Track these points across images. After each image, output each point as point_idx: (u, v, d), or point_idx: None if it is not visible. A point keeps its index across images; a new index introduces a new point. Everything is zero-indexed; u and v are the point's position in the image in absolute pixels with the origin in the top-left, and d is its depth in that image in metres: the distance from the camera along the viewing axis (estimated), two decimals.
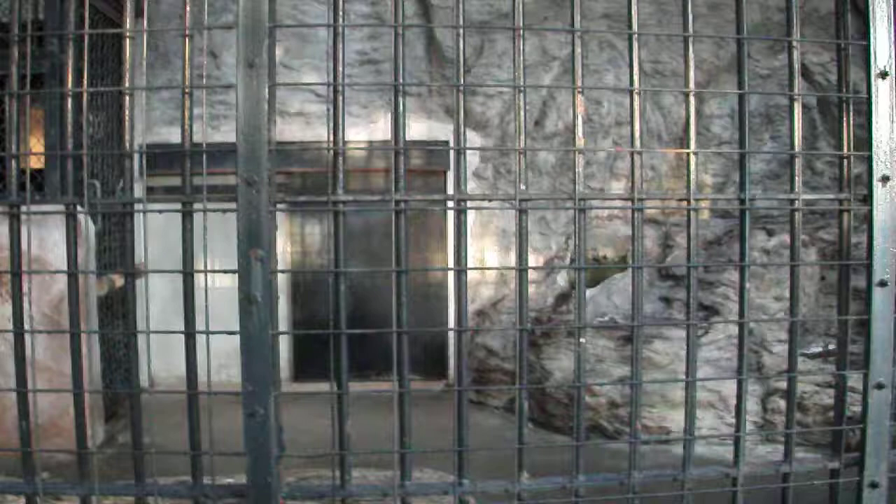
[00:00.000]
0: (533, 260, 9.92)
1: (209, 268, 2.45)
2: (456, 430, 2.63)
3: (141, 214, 2.57)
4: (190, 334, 2.57)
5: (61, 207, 2.67)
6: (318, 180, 9.69)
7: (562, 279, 10.17)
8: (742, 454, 2.78)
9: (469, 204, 2.59)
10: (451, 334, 9.77)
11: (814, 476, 2.88)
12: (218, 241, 2.46)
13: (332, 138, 2.51)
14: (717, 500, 2.85)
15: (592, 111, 10.00)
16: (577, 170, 2.59)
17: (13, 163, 2.63)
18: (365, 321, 9.50)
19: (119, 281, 7.95)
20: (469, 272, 2.61)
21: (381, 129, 9.82)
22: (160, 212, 2.53)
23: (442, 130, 9.77)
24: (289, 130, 9.54)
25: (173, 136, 8.92)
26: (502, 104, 10.01)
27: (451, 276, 9.65)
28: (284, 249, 10.04)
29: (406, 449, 2.62)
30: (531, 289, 9.24)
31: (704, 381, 7.56)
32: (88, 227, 7.18)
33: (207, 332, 2.45)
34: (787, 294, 2.96)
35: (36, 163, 7.46)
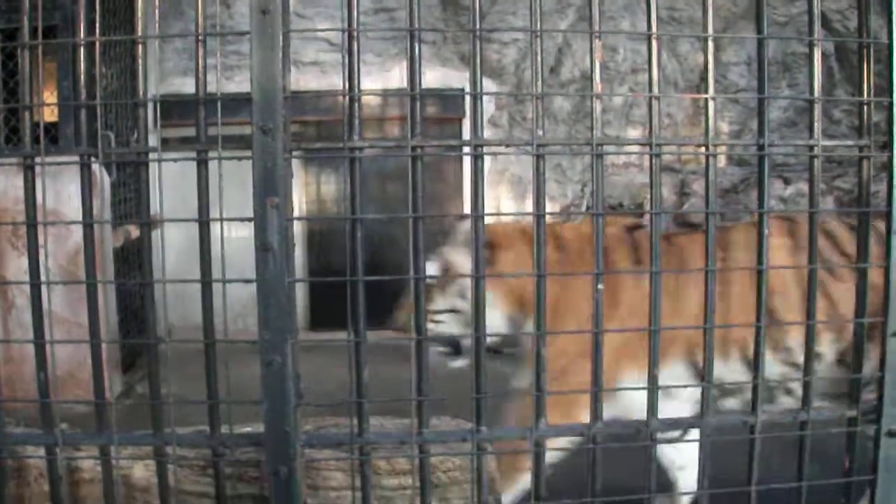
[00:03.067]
0: (549, 208, 9.86)
1: (225, 219, 2.44)
2: (473, 376, 2.62)
3: (155, 164, 2.56)
4: (206, 283, 2.57)
5: (76, 158, 2.65)
6: (334, 129, 9.66)
7: None
8: (760, 401, 2.77)
9: (486, 150, 2.57)
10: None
11: (831, 424, 2.88)
12: (233, 191, 2.44)
13: (347, 85, 2.49)
14: (735, 447, 2.84)
15: (608, 58, 9.93)
16: (594, 115, 2.56)
17: (26, 115, 2.61)
18: (381, 270, 9.48)
19: (135, 232, 7.95)
20: (486, 221, 2.60)
21: (395, 78, 9.79)
22: (175, 160, 2.52)
23: (457, 78, 9.72)
24: (303, 80, 9.50)
25: (187, 86, 8.88)
26: (517, 51, 9.96)
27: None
28: (300, 199, 10.03)
29: (423, 396, 2.62)
30: None
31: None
32: (103, 178, 7.18)
33: (224, 281, 2.45)
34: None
35: (50, 116, 7.45)
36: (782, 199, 9.19)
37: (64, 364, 6.25)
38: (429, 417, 2.65)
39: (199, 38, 2.49)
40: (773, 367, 3.87)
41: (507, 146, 2.77)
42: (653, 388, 2.71)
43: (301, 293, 9.86)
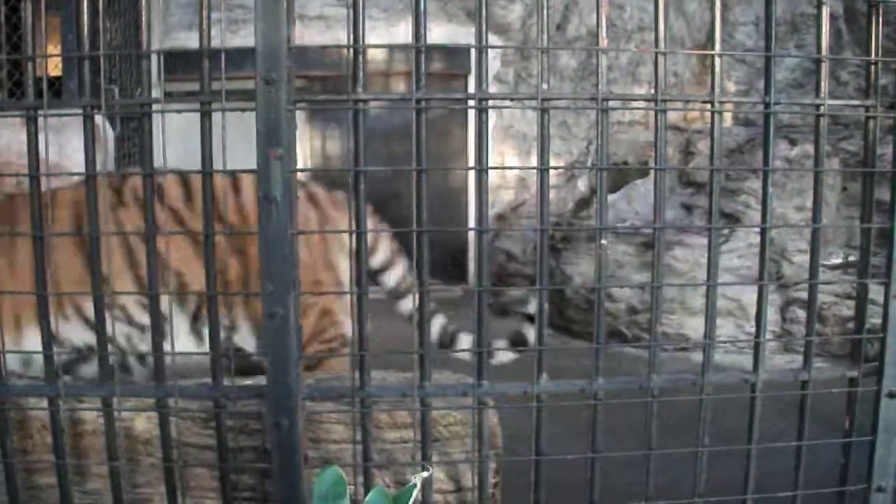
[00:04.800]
0: (554, 164, 9.86)
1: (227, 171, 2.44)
2: (476, 331, 2.63)
3: (159, 117, 2.54)
4: (208, 235, 2.56)
5: (79, 110, 2.64)
6: (339, 85, 9.65)
7: (582, 184, 10.16)
8: (761, 360, 2.77)
9: (490, 103, 2.55)
10: (470, 238, 9.80)
11: (832, 385, 2.88)
12: (237, 144, 2.44)
13: (351, 38, 2.47)
14: (736, 406, 2.85)
15: (615, 16, 9.91)
16: (599, 70, 2.55)
17: (29, 66, 2.60)
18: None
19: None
20: (490, 177, 2.58)
21: (401, 33, 9.75)
22: (178, 111, 2.51)
23: (463, 34, 9.69)
24: (308, 34, 9.46)
25: (191, 40, 8.85)
26: (523, 8, 9.92)
27: (471, 180, 9.66)
28: (305, 155, 10.02)
29: (425, 350, 2.63)
30: (551, 194, 9.21)
31: (724, 290, 7.57)
32: (107, 131, 7.16)
33: (225, 233, 2.45)
34: (808, 204, 2.93)
35: (54, 70, 7.43)
36: (788, 159, 9.17)
37: None
38: (430, 371, 2.66)
39: None
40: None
41: (512, 100, 2.75)
42: (654, 346, 2.71)
43: None
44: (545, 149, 2.55)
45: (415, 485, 2.27)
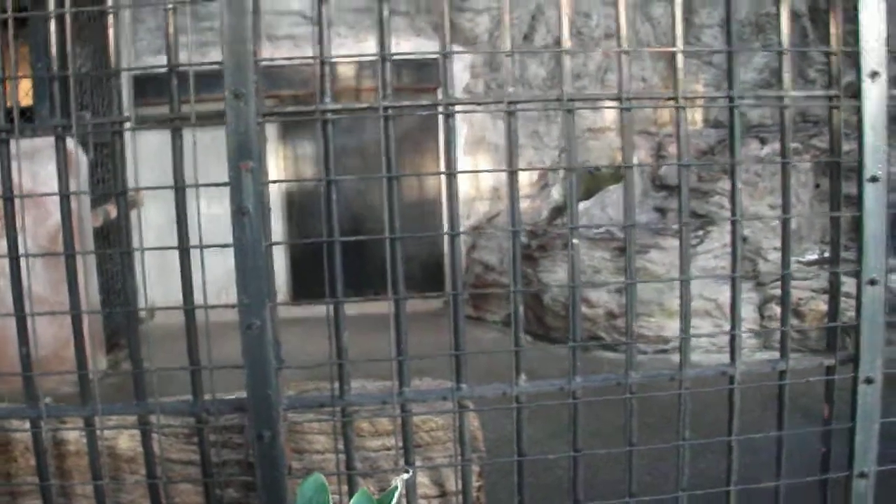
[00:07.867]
0: (526, 173, 9.88)
1: (201, 192, 2.44)
2: (452, 335, 2.64)
3: (131, 139, 2.56)
4: (184, 249, 2.57)
5: (50, 133, 2.64)
6: (309, 102, 9.66)
7: (556, 193, 10.18)
8: (738, 352, 2.80)
9: (458, 108, 2.57)
10: (446, 250, 9.81)
11: (810, 374, 2.90)
12: (211, 164, 2.45)
13: (318, 49, 2.49)
14: (715, 400, 2.87)
15: (582, 24, 9.97)
16: (563, 70, 2.57)
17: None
18: (362, 242, 9.52)
19: (114, 212, 7.93)
20: (463, 189, 2.61)
21: (369, 49, 9.77)
22: (148, 129, 2.52)
23: (431, 47, 9.69)
24: (278, 53, 9.47)
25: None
26: (490, 20, 9.97)
27: (444, 189, 9.67)
28: (279, 167, 10.03)
29: (403, 356, 2.64)
30: (525, 203, 9.35)
31: (701, 290, 7.61)
32: (80, 157, 7.16)
33: (201, 247, 2.46)
34: (780, 201, 2.96)
35: (24, 99, 7.44)
36: (758, 159, 9.24)
37: (48, 344, 6.24)
38: (409, 378, 2.67)
39: (170, 6, 2.49)
40: None
41: (479, 104, 2.78)
42: (631, 343, 2.74)
43: (282, 263, 9.91)
44: (514, 152, 2.58)
45: (396, 487, 2.29)
